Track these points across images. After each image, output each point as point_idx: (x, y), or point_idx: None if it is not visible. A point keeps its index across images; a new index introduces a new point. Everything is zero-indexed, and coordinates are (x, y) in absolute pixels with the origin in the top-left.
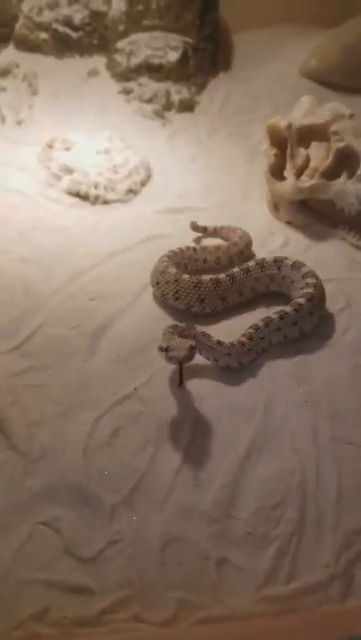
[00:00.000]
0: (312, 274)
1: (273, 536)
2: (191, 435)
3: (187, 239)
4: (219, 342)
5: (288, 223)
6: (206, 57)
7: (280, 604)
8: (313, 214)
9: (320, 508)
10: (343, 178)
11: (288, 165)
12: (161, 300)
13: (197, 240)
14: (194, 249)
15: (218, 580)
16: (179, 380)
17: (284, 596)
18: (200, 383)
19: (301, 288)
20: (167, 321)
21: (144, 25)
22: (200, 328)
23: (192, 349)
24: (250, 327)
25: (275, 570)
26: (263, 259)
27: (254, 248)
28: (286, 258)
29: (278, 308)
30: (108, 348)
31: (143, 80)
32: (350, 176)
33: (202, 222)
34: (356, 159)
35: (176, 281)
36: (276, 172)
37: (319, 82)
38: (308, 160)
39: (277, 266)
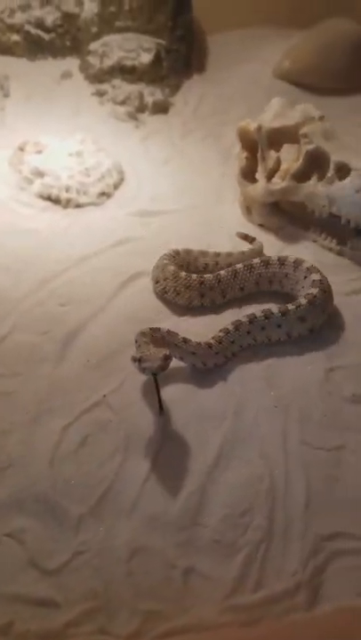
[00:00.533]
0: (318, 282)
1: (241, 544)
2: (160, 442)
3: (159, 242)
4: (185, 340)
5: (260, 226)
6: (180, 58)
7: (247, 614)
8: (285, 217)
9: (289, 515)
10: (314, 180)
11: (259, 168)
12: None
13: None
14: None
15: (185, 589)
16: (158, 406)
17: (251, 605)
18: (170, 389)
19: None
20: (141, 324)
21: (116, 26)
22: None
23: (166, 359)
24: (220, 330)
25: (242, 578)
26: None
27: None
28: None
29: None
30: (79, 353)
31: (116, 82)
32: (320, 178)
33: (176, 225)
34: (326, 161)
35: (175, 278)
36: (248, 175)
37: (293, 83)
38: (278, 162)
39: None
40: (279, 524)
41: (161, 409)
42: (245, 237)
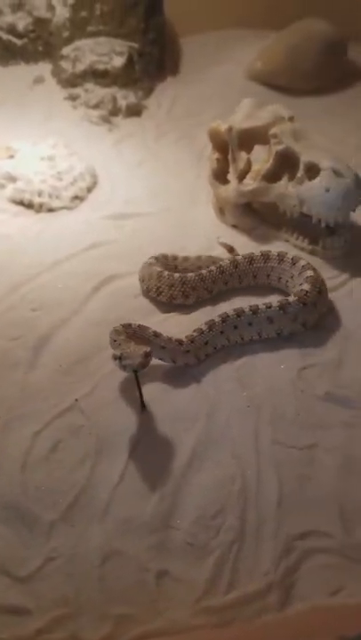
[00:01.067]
0: (312, 279)
1: (213, 545)
2: (132, 445)
3: (133, 245)
4: (155, 334)
5: (234, 226)
6: (152, 61)
7: (219, 615)
8: (257, 217)
9: (261, 515)
10: (284, 180)
11: (230, 169)
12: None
13: None
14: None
15: (157, 592)
16: (140, 403)
17: (224, 606)
18: (143, 391)
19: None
20: (110, 329)
21: (88, 31)
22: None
23: (147, 356)
24: (194, 330)
25: (214, 580)
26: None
27: (200, 252)
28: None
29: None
30: (51, 358)
31: (89, 86)
32: (291, 178)
33: (150, 227)
34: (296, 161)
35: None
36: (220, 176)
37: (265, 84)
38: (249, 163)
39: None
40: (251, 524)
41: (143, 406)
42: (226, 247)
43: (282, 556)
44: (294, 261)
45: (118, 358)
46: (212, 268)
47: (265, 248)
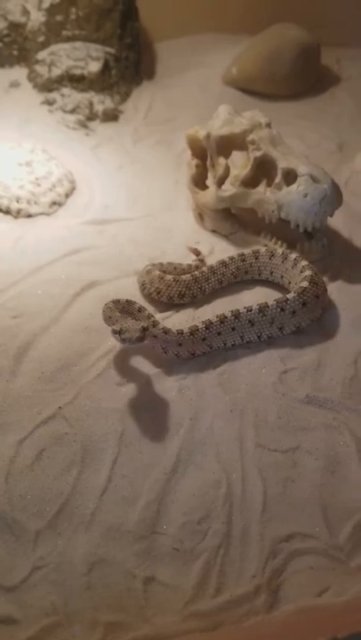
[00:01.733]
0: (310, 277)
1: (200, 550)
2: (116, 452)
3: (113, 250)
4: (139, 309)
5: (213, 231)
6: (129, 66)
7: (208, 619)
8: (236, 222)
9: (246, 518)
10: (262, 186)
11: (209, 175)
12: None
13: None
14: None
15: (145, 599)
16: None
17: (212, 610)
18: (127, 397)
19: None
20: (95, 333)
21: (64, 35)
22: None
23: (144, 331)
24: (188, 327)
25: (202, 585)
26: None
27: (180, 257)
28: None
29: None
30: (33, 366)
31: (66, 91)
32: (269, 184)
33: (130, 232)
34: (273, 167)
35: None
36: (199, 182)
37: (241, 89)
38: (228, 169)
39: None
40: (237, 528)
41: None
42: (194, 251)
43: (268, 558)
44: (285, 256)
45: (118, 332)
46: (204, 268)
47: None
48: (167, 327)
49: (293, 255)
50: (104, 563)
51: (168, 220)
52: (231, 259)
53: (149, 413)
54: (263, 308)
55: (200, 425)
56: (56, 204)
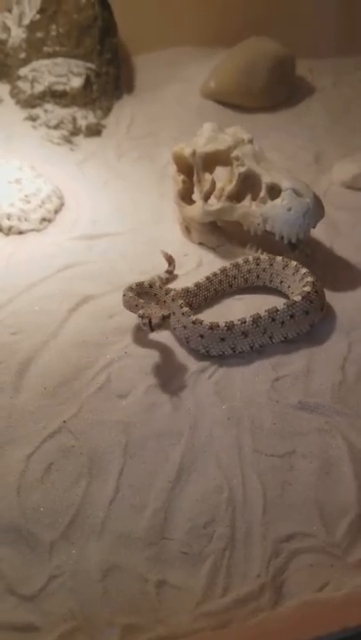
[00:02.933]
0: (310, 283)
1: (207, 553)
2: (122, 463)
3: (104, 265)
4: (167, 289)
5: (200, 244)
6: (109, 81)
7: (217, 618)
8: (223, 235)
9: (248, 521)
10: (247, 200)
11: (195, 190)
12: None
13: None
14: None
15: (158, 601)
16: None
17: (221, 609)
18: (126, 409)
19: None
20: (93, 347)
21: (45, 52)
22: None
23: (164, 318)
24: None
25: (210, 585)
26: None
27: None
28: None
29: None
30: (34, 382)
31: (48, 106)
32: (254, 198)
33: (119, 247)
34: (258, 182)
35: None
36: (185, 197)
37: (219, 102)
38: (214, 184)
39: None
40: (240, 531)
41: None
42: (168, 258)
43: (271, 558)
44: (285, 263)
45: (141, 317)
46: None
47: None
48: (199, 318)
49: (294, 263)
50: (117, 569)
51: (156, 233)
52: (235, 265)
53: (151, 424)
54: (272, 313)
55: (200, 433)
56: (46, 220)
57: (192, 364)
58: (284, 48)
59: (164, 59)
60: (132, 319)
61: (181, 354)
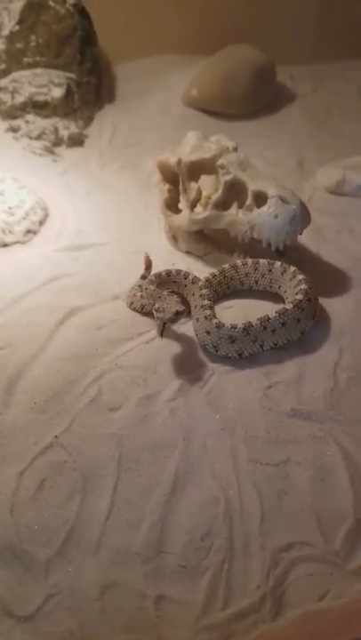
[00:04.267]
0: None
1: (205, 566)
2: (116, 477)
3: (91, 276)
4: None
5: (188, 253)
6: (90, 90)
7: (219, 632)
8: (210, 243)
9: (246, 532)
10: (234, 208)
11: (181, 199)
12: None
13: None
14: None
15: (157, 617)
16: (160, 333)
17: (222, 622)
18: (118, 423)
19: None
20: (83, 360)
21: (25, 62)
22: None
23: (177, 314)
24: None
25: (210, 599)
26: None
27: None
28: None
29: None
30: (24, 397)
31: (30, 117)
32: (240, 206)
33: (106, 257)
34: (244, 190)
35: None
36: (171, 206)
37: (201, 110)
38: (199, 193)
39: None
40: (238, 542)
41: (161, 335)
42: (146, 262)
43: (270, 568)
44: (284, 269)
45: (156, 310)
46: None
47: None
48: (233, 324)
49: (292, 268)
50: (115, 586)
51: (142, 243)
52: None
53: (144, 436)
54: (264, 321)
55: (193, 444)
56: (30, 232)
57: (184, 373)
58: (264, 55)
59: (145, 67)
60: (121, 330)
61: (173, 364)
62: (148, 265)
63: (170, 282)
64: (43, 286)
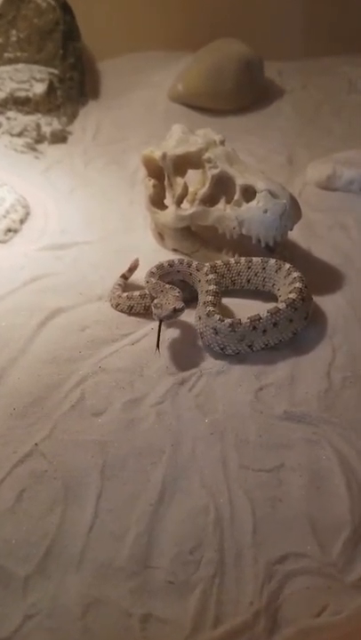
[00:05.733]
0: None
1: (195, 581)
2: (100, 486)
3: (75, 275)
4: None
5: (175, 250)
6: (74, 86)
7: None
8: (198, 240)
9: (238, 543)
10: (222, 203)
11: (167, 195)
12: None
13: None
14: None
15: (144, 637)
16: (157, 343)
17: None
18: (102, 429)
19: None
20: (64, 364)
21: (6, 58)
22: None
23: (175, 312)
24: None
25: (200, 616)
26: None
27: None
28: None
29: None
30: (3, 402)
31: (11, 114)
32: (228, 201)
33: (90, 256)
34: (231, 184)
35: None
36: (157, 202)
37: (187, 106)
38: (186, 188)
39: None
40: (230, 554)
41: (157, 346)
42: (132, 265)
43: (264, 582)
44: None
45: (154, 306)
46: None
47: None
48: (222, 317)
49: (287, 265)
50: (99, 603)
51: (128, 241)
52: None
53: (129, 442)
54: (255, 321)
55: (182, 450)
56: (11, 230)
57: (171, 375)
58: (251, 50)
59: (128, 64)
60: (106, 332)
61: (160, 366)
62: (133, 267)
63: (173, 272)
64: (24, 287)
